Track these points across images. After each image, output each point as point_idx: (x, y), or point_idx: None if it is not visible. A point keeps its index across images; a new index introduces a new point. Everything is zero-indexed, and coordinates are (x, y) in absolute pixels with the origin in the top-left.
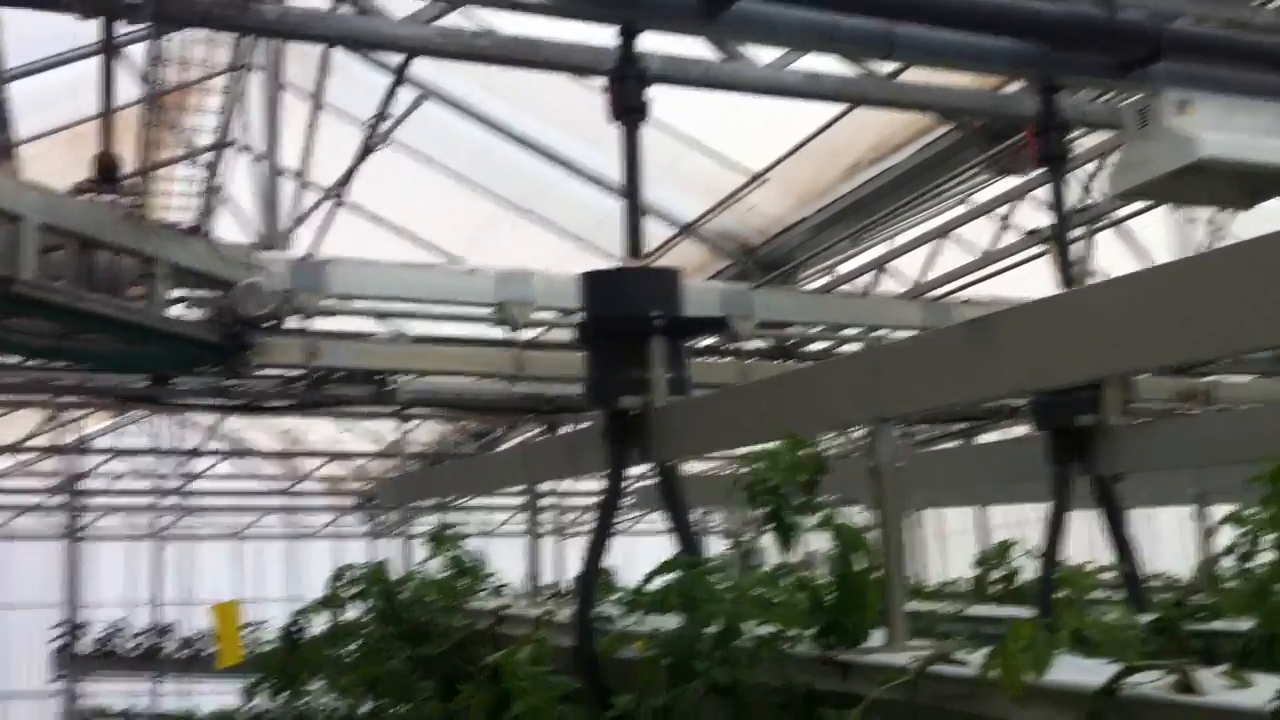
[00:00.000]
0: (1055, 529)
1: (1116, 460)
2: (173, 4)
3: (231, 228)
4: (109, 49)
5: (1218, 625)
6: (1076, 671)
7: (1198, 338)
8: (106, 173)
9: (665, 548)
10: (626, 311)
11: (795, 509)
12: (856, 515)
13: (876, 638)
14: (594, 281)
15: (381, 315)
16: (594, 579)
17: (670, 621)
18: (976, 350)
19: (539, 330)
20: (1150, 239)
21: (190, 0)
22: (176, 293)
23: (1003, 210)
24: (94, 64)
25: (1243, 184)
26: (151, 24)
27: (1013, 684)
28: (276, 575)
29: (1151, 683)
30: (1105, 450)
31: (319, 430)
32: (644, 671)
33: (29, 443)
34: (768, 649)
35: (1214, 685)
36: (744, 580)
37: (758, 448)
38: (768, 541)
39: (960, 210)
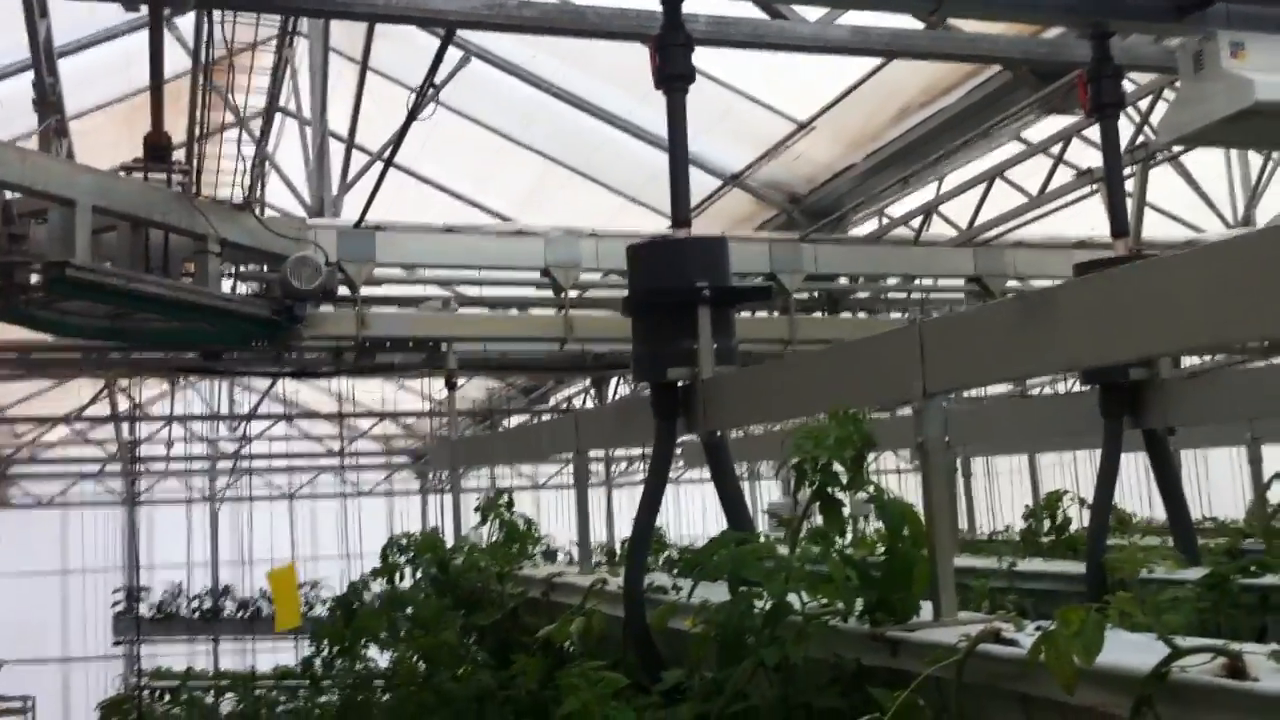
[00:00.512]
0: (1107, 482)
1: (1168, 414)
2: None
3: (282, 194)
4: (157, 32)
5: (1270, 579)
6: (1126, 650)
7: (1253, 316)
8: (157, 151)
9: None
10: (672, 284)
11: (843, 485)
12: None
13: (926, 610)
14: (639, 254)
15: (430, 282)
16: (645, 550)
17: (720, 590)
18: (1028, 326)
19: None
20: (1205, 173)
21: None
22: (228, 268)
23: (1054, 149)
24: (143, 36)
25: None
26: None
27: (1063, 673)
28: (330, 533)
29: (1201, 666)
30: (1157, 404)
31: (370, 387)
32: (694, 647)
33: (86, 412)
34: (816, 626)
35: (1264, 668)
36: (792, 556)
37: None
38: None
39: (1011, 151)
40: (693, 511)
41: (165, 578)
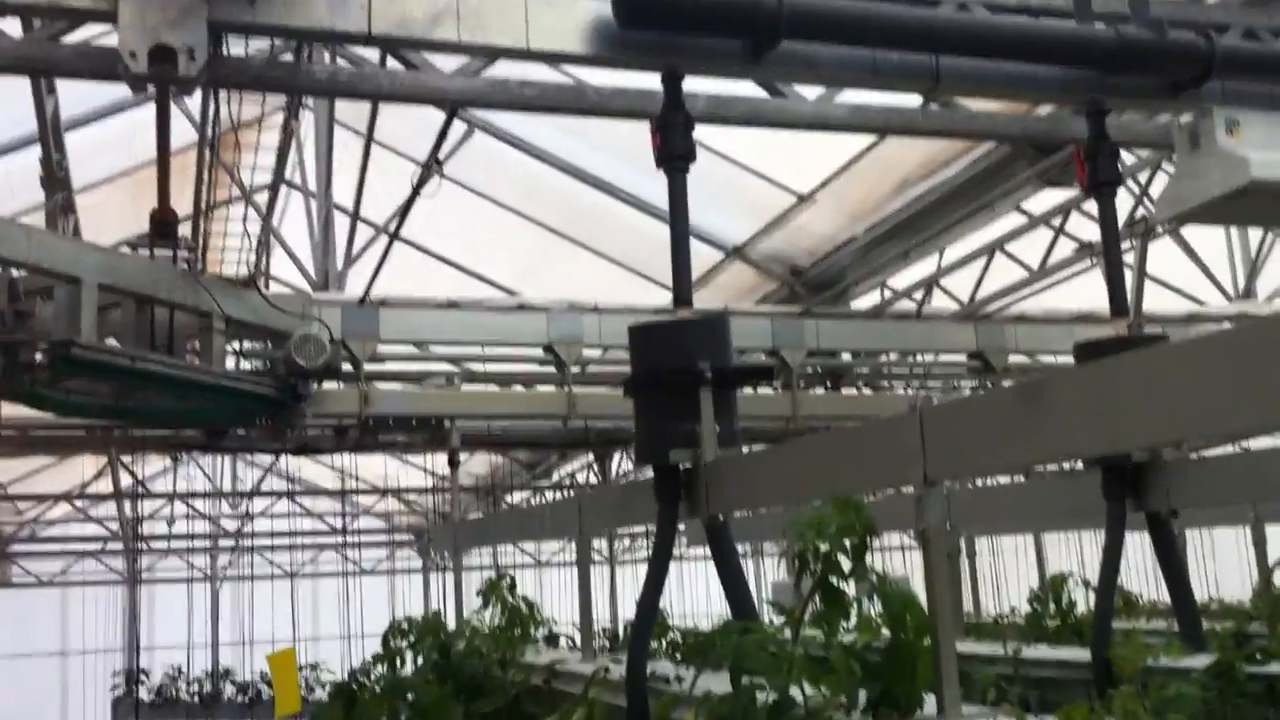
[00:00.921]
0: (1111, 565)
1: (1171, 496)
2: (224, 72)
3: (287, 267)
4: (163, 111)
5: (1277, 667)
6: None
7: (1253, 407)
8: (162, 227)
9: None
10: (674, 365)
11: (845, 574)
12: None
13: (930, 703)
14: (641, 334)
15: (434, 358)
16: (647, 638)
17: (724, 679)
18: (1027, 413)
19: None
20: (1206, 245)
21: (241, 66)
22: (232, 345)
23: (1055, 221)
24: (150, 110)
25: None
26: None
27: None
28: (332, 612)
29: None
30: (1159, 486)
31: (373, 463)
32: None
33: (88, 489)
34: None
35: None
36: (794, 646)
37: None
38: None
39: (1011, 223)
40: (697, 589)
41: (165, 659)
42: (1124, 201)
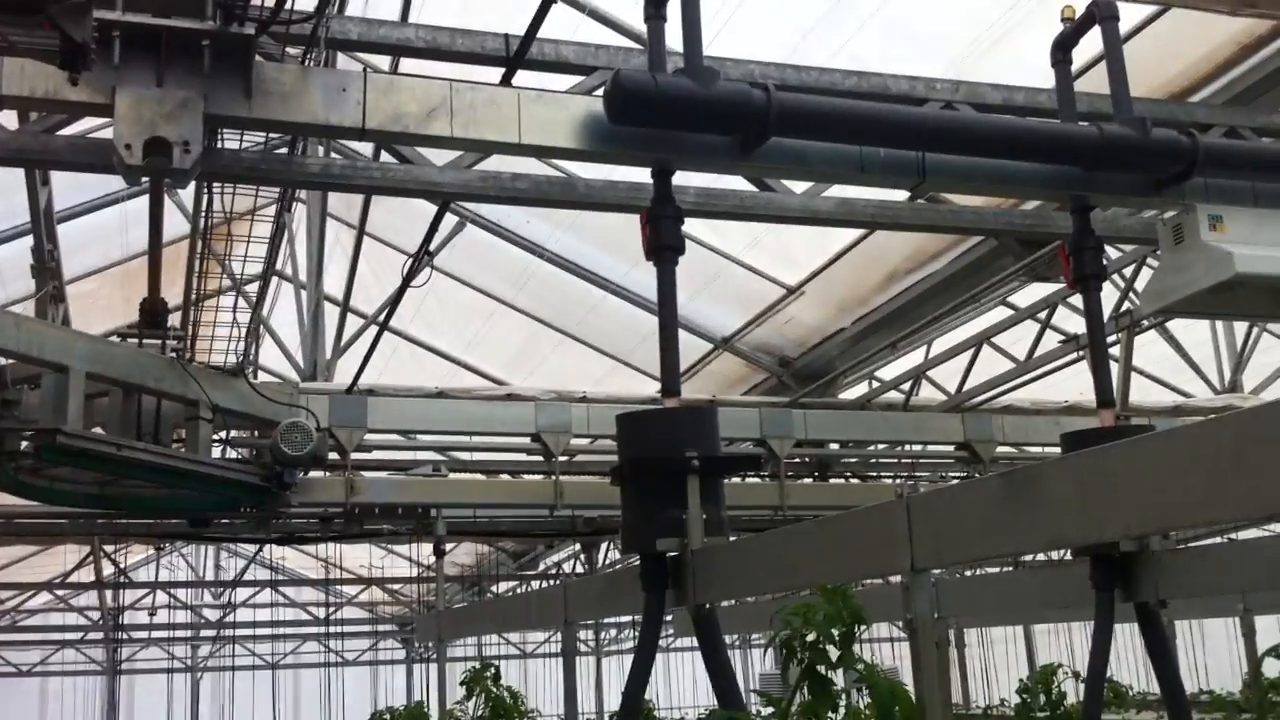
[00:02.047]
0: (1100, 656)
1: (1159, 587)
2: (217, 165)
3: (276, 357)
4: (157, 202)
5: None
6: None
7: (1235, 496)
8: (152, 316)
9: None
10: (661, 453)
11: (832, 663)
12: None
13: None
14: (629, 423)
15: (421, 447)
16: None
17: None
18: (1014, 502)
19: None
20: (1192, 338)
21: (234, 159)
22: (219, 434)
23: (1041, 315)
24: (142, 201)
25: (1278, 296)
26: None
27: None
28: (313, 704)
29: None
30: (1147, 576)
31: (358, 552)
32: None
33: (69, 578)
34: None
35: None
36: None
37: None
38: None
39: (998, 316)
40: (683, 680)
41: None
42: (1109, 295)
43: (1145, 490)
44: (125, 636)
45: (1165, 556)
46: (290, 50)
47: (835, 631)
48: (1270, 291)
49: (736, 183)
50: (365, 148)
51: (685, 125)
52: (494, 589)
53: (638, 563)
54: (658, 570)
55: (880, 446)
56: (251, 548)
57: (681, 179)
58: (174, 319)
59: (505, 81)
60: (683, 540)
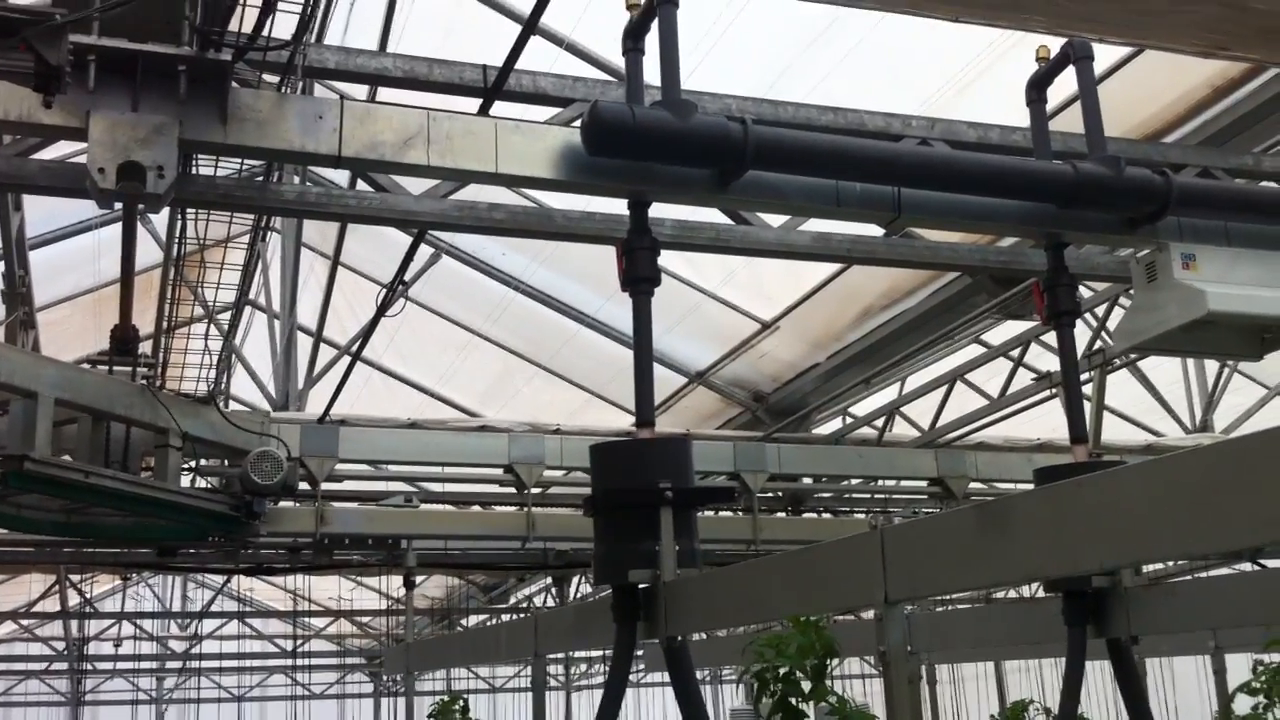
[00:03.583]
0: (1072, 693)
1: (1131, 623)
2: (192, 190)
3: (248, 387)
4: (129, 229)
5: None
6: None
7: (1217, 529)
8: (122, 344)
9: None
10: (634, 484)
11: (805, 695)
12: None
13: None
14: (602, 454)
15: (393, 477)
16: None
17: None
18: (987, 535)
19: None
20: (1163, 377)
21: (209, 184)
22: (188, 463)
23: (1014, 352)
24: (115, 229)
25: (1251, 335)
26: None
27: None
28: None
29: None
30: (1119, 612)
31: (326, 585)
32: None
33: (35, 608)
34: None
35: None
36: None
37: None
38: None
39: (972, 353)
40: (654, 715)
41: None
42: (1082, 335)
43: (1119, 522)
44: (90, 667)
45: (1137, 592)
46: (267, 78)
47: (808, 663)
48: (1242, 330)
49: (713, 216)
50: (341, 177)
51: (662, 157)
52: (464, 622)
53: (609, 595)
54: (629, 602)
55: (854, 481)
56: (219, 579)
57: (658, 211)
58: (145, 347)
59: (483, 112)
60: (655, 572)
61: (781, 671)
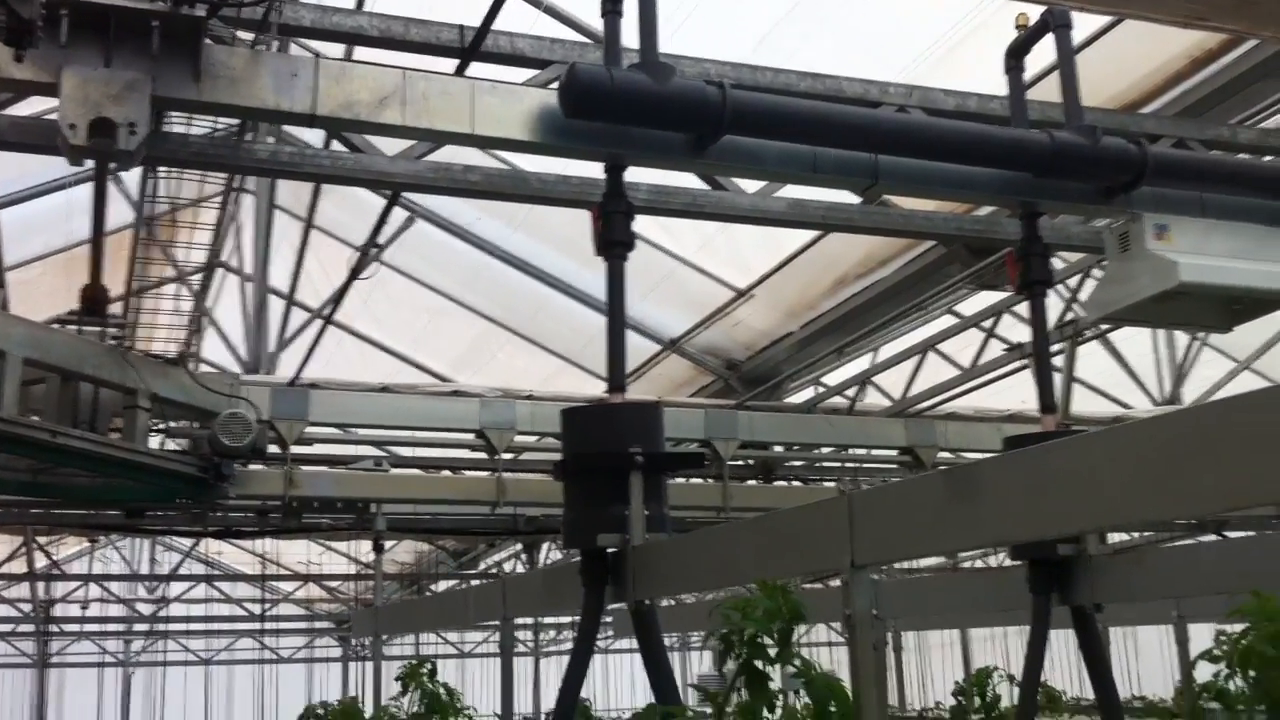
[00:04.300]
0: (1035, 660)
1: (1095, 591)
2: (164, 149)
3: (219, 349)
4: (101, 186)
5: None
6: None
7: (1174, 495)
8: (92, 304)
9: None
10: (605, 449)
11: (771, 659)
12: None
13: None
14: (573, 418)
15: (363, 441)
16: None
17: None
18: (955, 500)
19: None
20: (1134, 350)
21: (181, 143)
22: (157, 424)
23: (986, 324)
24: (87, 189)
25: (1222, 307)
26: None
27: None
28: (247, 701)
29: None
30: (1083, 581)
31: (295, 549)
32: None
33: (1, 570)
34: None
35: None
36: None
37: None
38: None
39: (944, 324)
40: (621, 681)
41: None
42: (1054, 306)
43: (1085, 488)
44: (56, 629)
45: (1102, 561)
46: (241, 35)
47: (774, 627)
48: (1214, 302)
49: (689, 181)
50: (315, 138)
51: (640, 121)
52: (433, 588)
53: (578, 560)
54: (598, 566)
55: (824, 450)
56: (187, 542)
57: (633, 176)
58: (116, 307)
59: (460, 73)
60: (624, 536)
61: (747, 635)
